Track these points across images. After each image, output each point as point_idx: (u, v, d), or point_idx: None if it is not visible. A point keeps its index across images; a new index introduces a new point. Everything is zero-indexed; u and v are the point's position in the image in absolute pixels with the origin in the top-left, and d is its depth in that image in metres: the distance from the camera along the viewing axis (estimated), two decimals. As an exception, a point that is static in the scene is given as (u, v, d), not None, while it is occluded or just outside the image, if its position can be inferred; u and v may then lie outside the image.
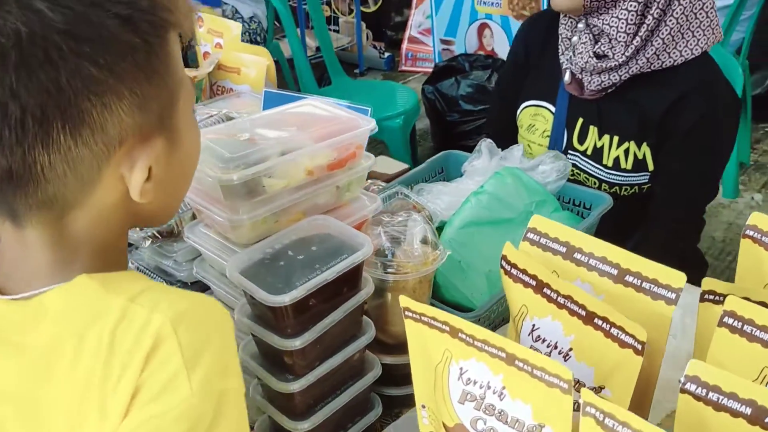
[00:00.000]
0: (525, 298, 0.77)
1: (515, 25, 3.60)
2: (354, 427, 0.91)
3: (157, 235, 0.98)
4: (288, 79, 3.81)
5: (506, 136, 1.58)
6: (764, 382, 0.66)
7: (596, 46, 1.36)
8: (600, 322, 0.70)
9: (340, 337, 0.85)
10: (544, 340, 0.75)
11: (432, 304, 1.09)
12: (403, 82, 4.39)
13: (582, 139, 1.47)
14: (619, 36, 1.32)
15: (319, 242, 0.85)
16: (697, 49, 1.35)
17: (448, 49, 3.90)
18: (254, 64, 1.49)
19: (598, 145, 1.45)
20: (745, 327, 0.67)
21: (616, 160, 1.43)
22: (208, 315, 0.61)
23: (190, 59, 1.65)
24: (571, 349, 0.73)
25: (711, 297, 0.74)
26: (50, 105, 0.52)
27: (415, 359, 0.76)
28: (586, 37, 1.37)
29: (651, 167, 1.42)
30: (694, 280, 1.58)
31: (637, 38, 1.32)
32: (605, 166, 1.44)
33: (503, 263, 0.79)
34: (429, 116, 3.35)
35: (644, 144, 1.40)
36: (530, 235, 0.83)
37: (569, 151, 1.48)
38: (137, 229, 0.97)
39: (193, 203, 0.90)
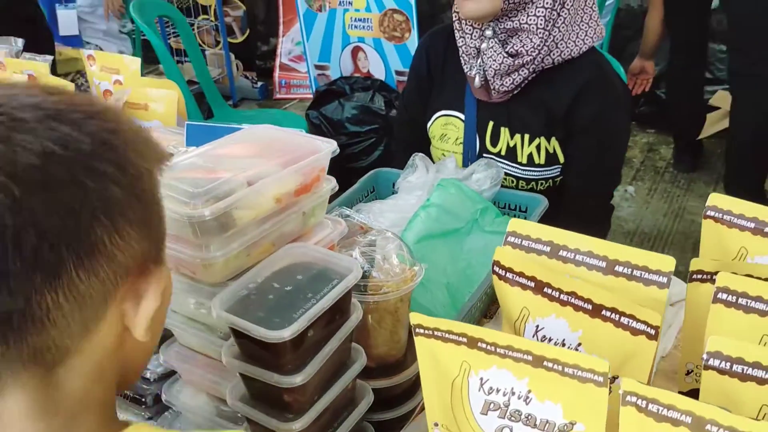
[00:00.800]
0: (525, 301, 0.77)
1: (388, 47, 3.68)
2: (351, 460, 0.87)
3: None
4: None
5: (418, 150, 1.61)
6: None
7: (508, 47, 1.42)
8: (608, 313, 0.71)
9: (334, 367, 0.82)
10: (550, 339, 0.76)
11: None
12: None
13: (494, 141, 1.52)
14: (539, 32, 1.39)
15: (302, 271, 0.81)
16: (588, 40, 1.45)
17: (323, 74, 3.91)
18: (162, 98, 1.41)
19: (511, 144, 1.51)
20: (740, 300, 0.71)
21: (530, 156, 1.49)
22: None
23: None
24: (579, 344, 0.74)
25: (699, 276, 0.77)
26: (66, 231, 0.48)
27: (426, 377, 0.73)
28: (494, 42, 1.43)
29: (561, 159, 1.50)
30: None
31: (546, 32, 1.40)
32: (520, 164, 1.50)
33: (496, 269, 0.79)
34: (316, 141, 3.34)
35: (552, 138, 1.48)
36: (511, 239, 0.84)
37: (483, 155, 1.53)
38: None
39: (156, 246, 0.83)
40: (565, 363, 0.63)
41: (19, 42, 1.75)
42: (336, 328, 0.79)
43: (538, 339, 0.77)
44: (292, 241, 0.90)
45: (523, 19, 1.39)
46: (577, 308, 0.73)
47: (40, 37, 2.69)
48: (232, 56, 4.60)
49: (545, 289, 0.75)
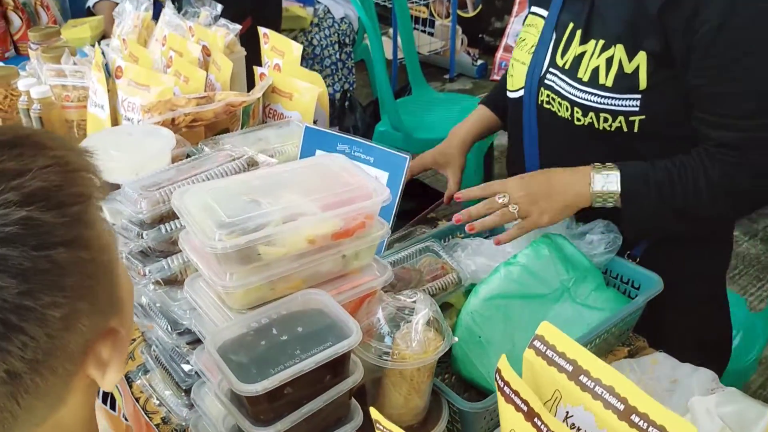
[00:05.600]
0: (515, 423, 0.69)
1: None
2: None
3: (160, 281, 0.96)
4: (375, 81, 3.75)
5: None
6: None
7: None
8: (587, 474, 0.61)
9: (322, 422, 0.80)
10: (529, 475, 0.68)
11: (452, 376, 1.02)
12: (491, 93, 4.27)
13: (566, 49, 1.17)
14: None
15: (307, 322, 0.79)
16: None
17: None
18: (307, 91, 1.45)
19: (578, 52, 1.14)
20: None
21: (595, 72, 1.11)
22: None
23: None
24: (556, 493, 0.65)
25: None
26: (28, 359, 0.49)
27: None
28: None
29: (643, 85, 1.08)
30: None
31: None
32: (580, 81, 1.13)
33: (497, 378, 0.71)
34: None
35: (641, 53, 1.07)
36: (536, 344, 0.75)
37: (549, 69, 1.20)
38: (141, 273, 0.95)
39: (191, 261, 0.86)
40: None
41: (218, 7, 1.88)
42: (325, 387, 0.77)
43: (517, 469, 0.69)
44: (330, 281, 0.89)
45: None
46: (560, 453, 0.64)
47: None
48: (459, 30, 4.58)
49: (535, 420, 0.66)
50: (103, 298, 0.55)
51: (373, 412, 0.66)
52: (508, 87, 1.33)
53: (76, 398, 0.57)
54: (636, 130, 1.12)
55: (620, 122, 1.12)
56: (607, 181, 1.11)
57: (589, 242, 1.18)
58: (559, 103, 1.18)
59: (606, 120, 1.13)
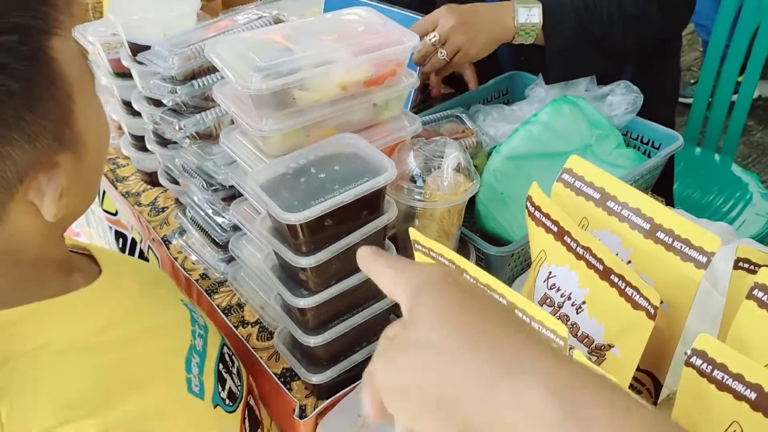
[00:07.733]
0: (545, 243, 0.73)
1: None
2: (370, 346, 0.91)
3: (195, 136, 0.98)
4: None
5: None
6: (784, 365, 0.61)
7: None
8: (616, 279, 0.66)
9: (359, 259, 0.84)
10: (558, 289, 0.72)
11: (476, 232, 1.07)
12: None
13: None
14: None
15: (343, 162, 0.82)
16: None
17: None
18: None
19: None
20: (776, 304, 0.61)
21: None
22: None
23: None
24: (584, 302, 0.70)
25: (745, 266, 0.67)
26: None
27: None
28: None
29: None
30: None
31: None
32: None
33: (528, 204, 0.75)
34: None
35: None
36: (565, 176, 0.78)
37: None
38: (177, 128, 0.98)
39: (228, 110, 0.89)
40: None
41: None
42: (362, 224, 0.81)
43: (547, 286, 0.73)
44: (361, 130, 0.92)
45: None
46: (589, 265, 0.68)
47: None
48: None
49: (565, 238, 0.70)
50: (46, 133, 0.55)
51: (412, 232, 0.70)
52: None
53: (24, 221, 0.59)
54: None
55: None
56: (529, 14, 1.19)
57: (609, 103, 1.19)
58: None
59: None
